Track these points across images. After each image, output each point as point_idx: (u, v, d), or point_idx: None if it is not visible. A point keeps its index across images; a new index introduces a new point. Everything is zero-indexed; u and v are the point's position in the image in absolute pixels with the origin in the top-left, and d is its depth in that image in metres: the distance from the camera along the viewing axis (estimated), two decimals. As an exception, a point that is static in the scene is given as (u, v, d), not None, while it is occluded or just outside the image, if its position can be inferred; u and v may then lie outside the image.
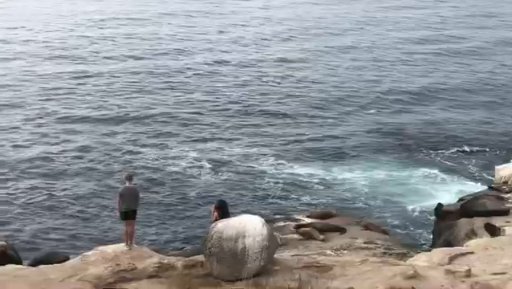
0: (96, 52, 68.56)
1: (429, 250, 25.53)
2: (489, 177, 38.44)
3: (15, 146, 41.66)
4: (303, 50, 75.09)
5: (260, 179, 38.44)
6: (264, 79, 62.41)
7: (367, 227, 30.57)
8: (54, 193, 34.31)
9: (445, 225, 30.63)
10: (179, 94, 55.35)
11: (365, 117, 51.83)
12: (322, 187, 38.14)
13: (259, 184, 37.69)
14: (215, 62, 67.71)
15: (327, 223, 30.18)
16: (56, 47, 70.22)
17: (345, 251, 25.58)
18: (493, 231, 27.54)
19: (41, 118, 46.69)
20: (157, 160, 40.24)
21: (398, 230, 33.77)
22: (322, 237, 28.09)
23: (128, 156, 40.47)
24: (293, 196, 36.52)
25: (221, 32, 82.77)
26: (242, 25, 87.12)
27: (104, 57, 66.76)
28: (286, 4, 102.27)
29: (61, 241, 29.68)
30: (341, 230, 29.40)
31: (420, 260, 23.42)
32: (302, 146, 44.87)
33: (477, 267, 21.73)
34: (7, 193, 34.39)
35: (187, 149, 42.00)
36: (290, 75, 64.30)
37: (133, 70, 62.09)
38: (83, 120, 47.24)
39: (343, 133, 48.04)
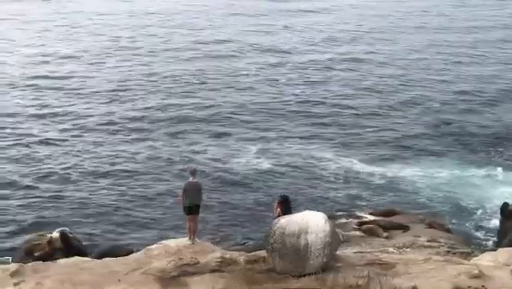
0: (158, 52, 68.82)
1: (494, 250, 25.09)
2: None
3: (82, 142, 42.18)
4: (370, 47, 74.91)
5: (320, 175, 38.18)
6: (327, 75, 62.11)
7: (430, 225, 30.26)
8: (119, 189, 34.67)
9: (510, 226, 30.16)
10: (241, 91, 55.30)
11: (428, 115, 51.13)
12: (382, 184, 37.74)
13: (319, 180, 37.43)
14: (279, 59, 67.62)
15: (391, 221, 29.97)
16: (126, 46, 70.67)
17: (408, 249, 25.34)
18: None
19: (107, 117, 47.05)
20: (218, 157, 40.25)
21: (461, 229, 33.19)
22: (385, 234, 27.97)
23: (190, 154, 40.56)
24: (353, 192, 36.18)
25: (287, 29, 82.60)
26: (307, 24, 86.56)
27: (168, 57, 67.07)
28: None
29: (125, 234, 29.97)
30: (404, 228, 29.19)
31: (484, 260, 23.09)
32: (361, 142, 44.48)
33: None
34: (77, 190, 34.84)
35: (247, 146, 41.98)
36: (354, 72, 63.93)
37: (196, 70, 62.19)
38: (148, 119, 47.45)
39: (404, 130, 47.47)
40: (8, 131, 44.26)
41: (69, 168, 37.72)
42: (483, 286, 19.56)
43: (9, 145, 41.44)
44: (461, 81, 61.93)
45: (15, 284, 21.31)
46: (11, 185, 35.51)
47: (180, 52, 68.71)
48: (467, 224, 34.22)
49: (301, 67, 64.33)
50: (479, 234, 33.37)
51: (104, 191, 34.46)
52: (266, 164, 39.07)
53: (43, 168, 37.58)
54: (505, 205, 32.14)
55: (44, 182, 35.69)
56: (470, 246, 29.31)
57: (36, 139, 42.44)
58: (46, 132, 43.86)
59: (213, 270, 22.22)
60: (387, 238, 27.78)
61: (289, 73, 62.20)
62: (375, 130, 47.04)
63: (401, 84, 59.71)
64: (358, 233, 28.23)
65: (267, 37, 78.79)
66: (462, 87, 59.40)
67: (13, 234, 29.93)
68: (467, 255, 25.39)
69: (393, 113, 51.26)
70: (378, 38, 78.79)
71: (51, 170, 37.45)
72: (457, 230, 32.05)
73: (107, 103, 51.04)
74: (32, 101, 50.98)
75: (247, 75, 61.81)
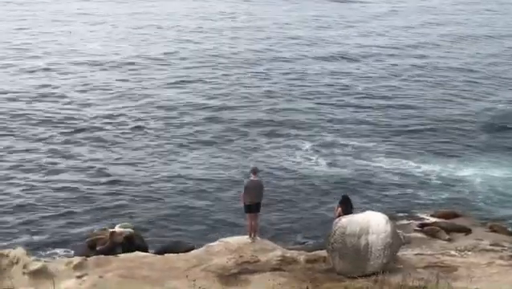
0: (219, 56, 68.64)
1: None
2: None
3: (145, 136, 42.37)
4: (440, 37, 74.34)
5: (376, 174, 37.54)
6: (389, 71, 61.42)
7: (492, 229, 29.84)
8: (180, 187, 34.74)
9: None
10: (299, 87, 54.82)
11: (489, 114, 50.17)
12: (438, 184, 37.02)
13: (375, 179, 36.96)
14: (339, 55, 67.18)
15: (452, 223, 29.61)
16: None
17: (470, 252, 25.02)
18: None
19: (171, 111, 47.13)
20: (275, 155, 39.90)
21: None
22: (447, 237, 27.69)
23: (250, 152, 40.45)
24: (409, 192, 35.32)
25: (350, 27, 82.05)
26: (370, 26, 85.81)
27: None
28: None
29: (186, 231, 30.00)
30: (466, 231, 28.84)
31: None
32: (417, 141, 43.60)
33: None
34: (139, 185, 35.12)
35: (302, 144, 41.64)
36: (418, 67, 62.98)
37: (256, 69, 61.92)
38: (209, 110, 47.45)
39: (461, 128, 46.67)
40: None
41: (133, 163, 37.90)
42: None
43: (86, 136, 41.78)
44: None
45: (78, 277, 21.66)
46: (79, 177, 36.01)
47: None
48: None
49: (363, 65, 63.65)
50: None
51: (165, 187, 34.58)
52: (321, 163, 38.70)
53: (111, 163, 37.93)
54: None
55: (108, 176, 36.00)
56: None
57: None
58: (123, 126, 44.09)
59: (273, 269, 22.37)
60: (448, 240, 27.47)
61: (348, 70, 61.41)
62: (430, 129, 46.26)
63: (464, 82, 58.75)
64: (419, 234, 27.95)
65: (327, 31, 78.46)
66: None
67: (75, 227, 30.20)
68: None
69: (449, 111, 50.38)
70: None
71: (117, 164, 37.85)
72: None
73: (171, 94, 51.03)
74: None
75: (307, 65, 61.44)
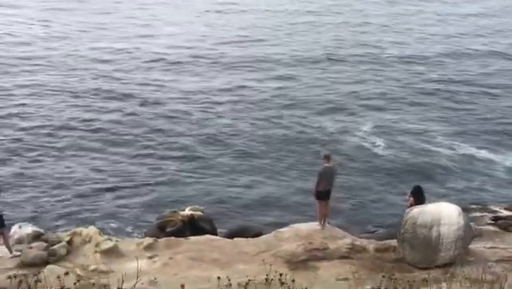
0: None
1: None
2: None
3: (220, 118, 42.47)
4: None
5: (444, 162, 36.89)
6: (463, 56, 60.63)
7: None
8: (249, 171, 34.79)
9: None
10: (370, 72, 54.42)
11: None
12: (506, 175, 36.40)
13: (445, 167, 36.18)
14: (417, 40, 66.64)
15: (528, 217, 29.25)
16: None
17: (546, 247, 24.60)
18: None
19: (253, 105, 47.06)
20: (342, 140, 39.48)
21: None
22: (522, 230, 27.34)
23: (319, 136, 40.15)
24: (478, 182, 34.60)
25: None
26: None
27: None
28: None
29: (255, 216, 30.06)
30: (542, 224, 28.42)
31: None
32: (482, 129, 42.64)
33: None
34: (208, 169, 35.35)
35: (371, 133, 41.02)
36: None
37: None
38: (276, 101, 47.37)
39: None
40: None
41: (206, 147, 38.12)
42: None
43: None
44: None
45: (149, 258, 22.09)
46: (150, 160, 36.44)
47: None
48: None
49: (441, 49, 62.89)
50: None
51: (235, 172, 34.77)
52: (389, 150, 38.22)
53: (181, 147, 38.22)
54: None
55: (180, 160, 36.29)
56: None
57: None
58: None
59: (342, 257, 22.46)
60: (523, 234, 27.15)
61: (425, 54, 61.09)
62: (498, 117, 45.32)
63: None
64: (492, 228, 27.53)
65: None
66: None
67: (146, 209, 30.61)
68: None
69: None
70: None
71: (187, 147, 38.14)
72: None
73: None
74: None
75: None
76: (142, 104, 45.46)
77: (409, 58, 59.74)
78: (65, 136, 39.53)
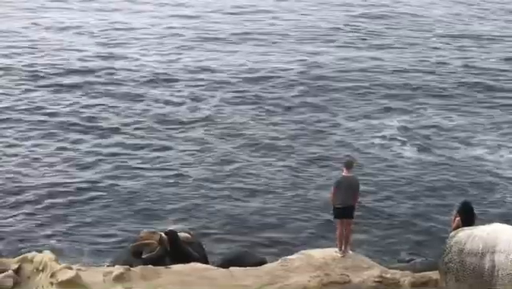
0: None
1: None
2: None
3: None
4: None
5: (491, 171, 37.06)
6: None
7: None
8: (254, 179, 34.91)
9: None
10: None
11: None
12: None
13: (491, 177, 36.27)
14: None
15: None
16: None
17: None
18: None
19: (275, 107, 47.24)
20: (366, 144, 39.65)
21: None
22: None
23: (339, 145, 40.22)
24: None
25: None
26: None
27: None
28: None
29: (256, 239, 30.02)
30: None
31: None
32: None
33: None
34: (198, 181, 35.38)
35: (399, 138, 41.12)
36: None
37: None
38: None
39: None
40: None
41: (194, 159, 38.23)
42: None
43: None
44: None
45: (121, 291, 21.91)
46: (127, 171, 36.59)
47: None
48: None
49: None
50: None
51: (232, 182, 34.80)
52: (426, 159, 38.15)
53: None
54: None
55: (163, 168, 36.54)
56: None
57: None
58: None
59: (368, 290, 22.34)
60: None
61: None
62: None
63: None
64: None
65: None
66: None
67: (118, 228, 30.62)
68: None
69: None
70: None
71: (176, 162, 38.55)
72: None
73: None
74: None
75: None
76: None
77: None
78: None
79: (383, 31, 67.32)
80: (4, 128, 40.57)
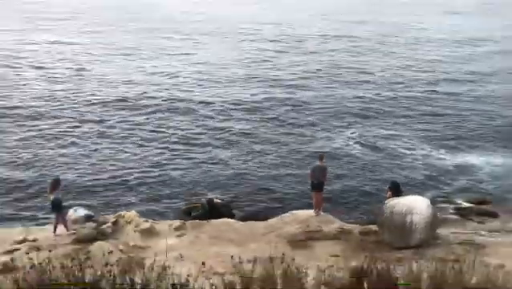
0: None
1: None
2: None
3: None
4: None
5: (409, 162, 36.72)
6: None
7: (517, 214, 29.16)
8: (265, 166, 34.87)
9: None
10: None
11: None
12: (464, 173, 36.14)
13: (412, 168, 35.73)
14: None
15: (483, 208, 29.03)
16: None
17: (497, 233, 24.46)
18: None
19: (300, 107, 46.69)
20: (329, 142, 39.44)
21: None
22: (478, 220, 27.09)
23: (308, 140, 40.02)
24: (442, 179, 34.32)
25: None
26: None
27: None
28: None
29: (264, 204, 29.82)
30: (494, 215, 28.17)
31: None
32: (448, 134, 42.04)
33: None
34: (229, 165, 35.29)
35: (350, 138, 40.64)
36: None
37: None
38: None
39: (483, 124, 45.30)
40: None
41: (227, 148, 38.25)
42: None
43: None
44: None
45: (178, 236, 22.07)
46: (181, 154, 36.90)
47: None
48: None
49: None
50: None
51: (251, 168, 34.52)
52: (370, 156, 37.70)
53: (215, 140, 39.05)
54: None
55: (205, 155, 36.64)
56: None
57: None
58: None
59: (333, 238, 22.41)
60: (479, 222, 26.92)
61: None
62: (458, 122, 44.92)
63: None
64: (455, 216, 27.47)
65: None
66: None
67: (176, 197, 30.45)
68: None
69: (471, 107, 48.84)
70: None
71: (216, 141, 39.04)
72: None
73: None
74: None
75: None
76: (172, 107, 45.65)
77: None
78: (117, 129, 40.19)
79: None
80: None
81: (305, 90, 52.08)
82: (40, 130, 38.99)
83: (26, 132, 38.67)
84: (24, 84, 50.21)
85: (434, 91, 54.17)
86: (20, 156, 34.62)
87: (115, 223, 22.98)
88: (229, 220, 24.68)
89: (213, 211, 26.13)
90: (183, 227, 23.00)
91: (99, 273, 7.77)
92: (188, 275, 8.79)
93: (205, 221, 23.91)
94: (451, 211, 28.14)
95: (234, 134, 40.09)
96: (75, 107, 44.20)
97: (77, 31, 77.95)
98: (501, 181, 34.49)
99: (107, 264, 8.10)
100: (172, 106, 45.92)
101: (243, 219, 25.42)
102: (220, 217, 24.82)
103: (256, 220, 24.95)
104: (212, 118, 43.43)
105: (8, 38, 70.02)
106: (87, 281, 7.49)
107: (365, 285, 9.34)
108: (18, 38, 70.44)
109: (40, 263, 7.81)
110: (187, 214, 26.72)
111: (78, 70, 56.24)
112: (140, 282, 8.17)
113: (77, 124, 40.64)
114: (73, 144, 37.10)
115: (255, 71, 58.68)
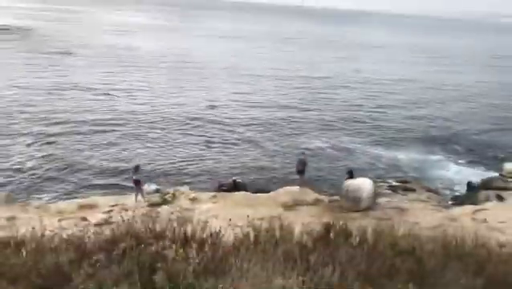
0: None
1: (461, 206, 23.84)
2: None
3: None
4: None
5: (360, 157, 35.96)
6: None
7: (427, 189, 28.57)
8: (268, 160, 34.28)
9: (471, 194, 28.36)
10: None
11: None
12: (396, 162, 35.49)
13: (361, 159, 35.34)
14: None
15: (406, 186, 28.68)
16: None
17: (415, 202, 24.29)
18: (501, 199, 25.37)
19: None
20: (314, 144, 38.93)
21: (443, 192, 30.64)
22: (403, 193, 26.84)
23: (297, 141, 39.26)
24: (382, 167, 34.05)
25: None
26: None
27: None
28: None
29: (268, 182, 29.59)
30: (413, 190, 27.90)
31: (455, 211, 22.07)
32: (382, 136, 41.56)
33: (491, 218, 20.10)
34: (247, 156, 34.78)
35: (318, 137, 40.06)
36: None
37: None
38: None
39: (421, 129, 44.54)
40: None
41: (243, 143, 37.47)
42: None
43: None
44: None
45: (213, 203, 21.99)
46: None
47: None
48: (444, 189, 31.63)
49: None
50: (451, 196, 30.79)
51: (262, 160, 34.29)
52: (334, 153, 36.54)
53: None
54: (469, 182, 30.24)
55: (237, 145, 36.38)
56: (447, 202, 27.55)
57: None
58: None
59: (311, 204, 22.29)
60: (403, 195, 26.68)
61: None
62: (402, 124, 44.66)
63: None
64: (388, 191, 27.10)
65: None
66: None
67: (213, 177, 30.16)
68: (447, 207, 24.21)
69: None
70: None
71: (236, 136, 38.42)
72: (441, 193, 29.94)
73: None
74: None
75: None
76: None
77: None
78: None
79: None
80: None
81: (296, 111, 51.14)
82: (124, 134, 38.51)
83: (122, 137, 38.01)
84: (116, 104, 48.02)
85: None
86: (115, 152, 34.41)
87: (173, 194, 22.95)
88: (246, 193, 24.56)
89: (235, 187, 26.08)
90: (216, 197, 22.93)
91: (165, 226, 7.80)
92: (220, 227, 8.76)
93: (230, 193, 23.82)
94: (385, 187, 27.92)
95: (246, 141, 39.18)
96: (146, 126, 42.11)
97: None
98: (416, 168, 34.42)
99: (170, 220, 8.12)
100: (212, 119, 44.90)
101: (254, 192, 25.19)
102: (239, 191, 24.76)
103: (262, 192, 24.75)
104: (236, 127, 42.77)
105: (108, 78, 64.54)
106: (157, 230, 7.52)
107: (331, 234, 9.26)
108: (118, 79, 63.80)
109: (128, 219, 7.83)
110: (219, 189, 26.61)
111: (156, 97, 52.76)
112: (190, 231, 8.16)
113: (152, 132, 39.82)
114: (149, 144, 36.53)
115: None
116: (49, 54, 73.22)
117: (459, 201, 27.61)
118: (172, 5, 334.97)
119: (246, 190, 25.90)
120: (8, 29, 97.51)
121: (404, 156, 37.03)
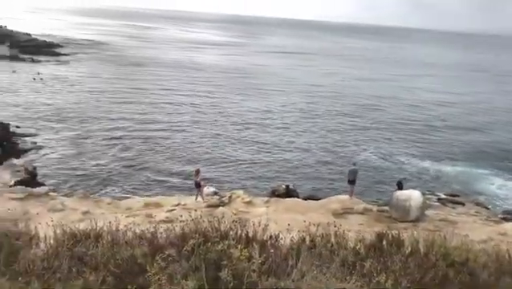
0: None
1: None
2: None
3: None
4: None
5: (411, 170, 35.03)
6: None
7: (476, 204, 27.59)
8: (318, 164, 34.03)
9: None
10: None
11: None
12: (440, 175, 34.13)
13: (410, 173, 34.07)
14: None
15: (455, 199, 27.69)
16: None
17: (464, 215, 23.35)
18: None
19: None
20: (377, 156, 37.79)
21: (494, 208, 29.27)
22: (452, 206, 25.88)
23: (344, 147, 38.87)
24: (429, 180, 32.59)
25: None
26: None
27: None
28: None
29: (319, 189, 29.47)
30: (462, 204, 26.85)
31: (506, 226, 20.97)
32: (431, 150, 40.36)
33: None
34: (300, 163, 34.49)
35: (367, 149, 39.14)
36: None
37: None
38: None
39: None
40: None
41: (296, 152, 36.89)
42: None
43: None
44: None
45: (266, 207, 22.01)
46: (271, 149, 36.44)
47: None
48: (494, 204, 30.07)
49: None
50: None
51: (315, 165, 33.92)
52: (383, 165, 36.01)
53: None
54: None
55: (289, 153, 35.98)
56: (497, 216, 26.20)
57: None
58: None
59: (360, 213, 21.92)
60: (452, 208, 25.74)
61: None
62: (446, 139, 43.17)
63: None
64: (437, 203, 26.32)
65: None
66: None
67: (266, 183, 30.21)
68: (497, 222, 23.04)
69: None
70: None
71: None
72: (490, 207, 28.51)
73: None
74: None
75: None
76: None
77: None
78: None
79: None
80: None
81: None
82: (186, 140, 38.79)
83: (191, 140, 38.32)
84: (183, 113, 48.42)
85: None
86: (177, 155, 35.09)
87: (230, 197, 23.17)
88: (297, 199, 24.39)
89: (287, 193, 26.04)
90: (269, 201, 22.94)
91: (228, 226, 7.98)
92: (279, 231, 8.85)
93: (282, 199, 23.74)
94: (434, 200, 27.04)
95: (301, 149, 38.83)
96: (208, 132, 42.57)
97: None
98: (464, 181, 33.11)
99: (233, 221, 8.30)
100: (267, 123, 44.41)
101: (305, 198, 25.03)
102: (291, 197, 24.63)
103: (313, 199, 24.53)
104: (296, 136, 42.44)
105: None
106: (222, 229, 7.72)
107: (384, 243, 9.13)
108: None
109: (196, 218, 8.09)
110: (272, 194, 26.67)
111: (218, 107, 52.21)
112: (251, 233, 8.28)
113: (216, 139, 39.78)
114: (209, 149, 36.71)
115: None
116: (122, 65, 76.89)
117: (510, 216, 26.24)
118: (229, 22, 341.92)
119: (298, 196, 25.85)
120: (90, 44, 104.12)
121: (452, 169, 35.69)
